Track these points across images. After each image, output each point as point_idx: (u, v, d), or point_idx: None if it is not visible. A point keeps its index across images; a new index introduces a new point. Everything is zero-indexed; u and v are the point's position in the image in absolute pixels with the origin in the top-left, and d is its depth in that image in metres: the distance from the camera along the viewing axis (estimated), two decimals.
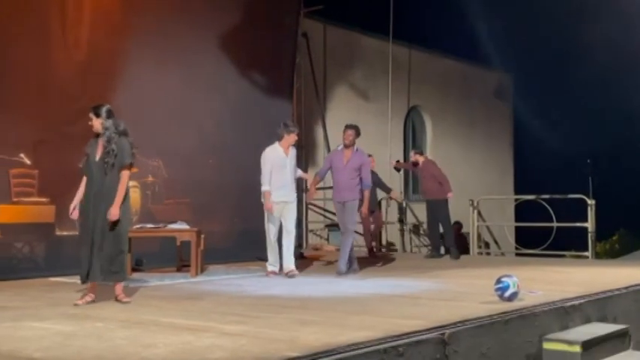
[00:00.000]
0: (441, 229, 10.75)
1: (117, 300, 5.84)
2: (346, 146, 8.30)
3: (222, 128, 8.49)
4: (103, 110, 5.88)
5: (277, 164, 7.98)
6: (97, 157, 5.84)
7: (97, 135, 5.90)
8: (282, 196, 8.02)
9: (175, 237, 8.16)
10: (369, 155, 9.01)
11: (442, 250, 11.02)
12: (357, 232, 9.24)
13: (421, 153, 11.37)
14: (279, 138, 8.03)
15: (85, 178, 5.93)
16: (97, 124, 5.87)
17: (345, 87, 14.88)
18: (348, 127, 8.35)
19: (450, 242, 10.73)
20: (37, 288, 6.89)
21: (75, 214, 5.92)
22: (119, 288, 5.89)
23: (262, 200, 7.97)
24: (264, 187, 7.94)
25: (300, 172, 8.45)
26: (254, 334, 4.44)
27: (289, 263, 8.02)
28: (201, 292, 6.67)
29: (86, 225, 5.78)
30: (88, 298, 5.76)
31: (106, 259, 5.72)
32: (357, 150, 8.37)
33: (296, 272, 8.01)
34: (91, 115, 5.89)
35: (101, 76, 8.56)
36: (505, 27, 18.15)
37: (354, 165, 8.25)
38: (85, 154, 5.95)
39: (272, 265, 8.20)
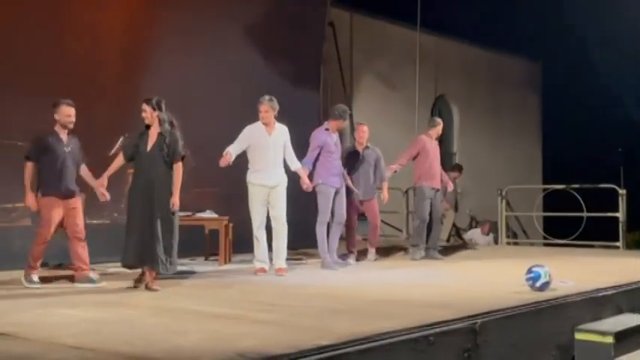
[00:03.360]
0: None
1: (147, 288, 5.89)
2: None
3: (249, 118, 8.44)
4: (161, 103, 6.05)
5: (256, 144, 7.10)
6: (149, 148, 5.99)
7: (147, 126, 6.04)
8: (266, 179, 7.07)
9: (204, 226, 8.20)
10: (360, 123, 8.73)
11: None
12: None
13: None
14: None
15: (115, 164, 6.10)
16: (151, 116, 6.01)
17: (371, 76, 14.80)
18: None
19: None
20: (67, 276, 6.95)
21: (104, 197, 6.07)
22: (152, 276, 5.96)
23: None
24: (228, 149, 7.01)
25: (297, 164, 7.40)
26: (283, 322, 4.43)
27: (279, 260, 7.07)
28: (229, 280, 6.69)
29: (137, 214, 5.92)
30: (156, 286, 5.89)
31: (164, 249, 5.88)
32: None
33: (285, 272, 7.02)
34: (146, 107, 6.02)
35: (130, 66, 8.60)
36: (534, 13, 17.88)
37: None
38: (132, 145, 6.11)
39: (260, 261, 7.12)
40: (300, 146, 7.64)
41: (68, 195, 6.12)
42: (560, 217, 12.07)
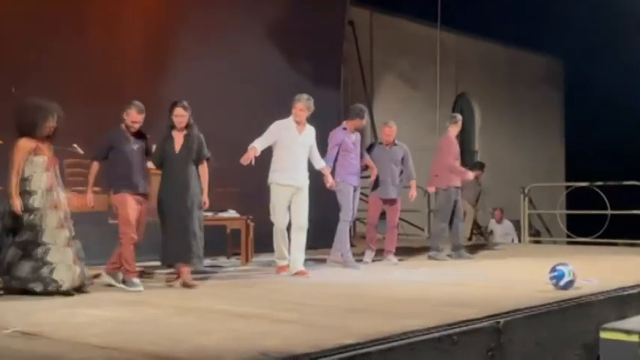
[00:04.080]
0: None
1: (185, 285, 6.00)
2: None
3: (269, 118, 8.46)
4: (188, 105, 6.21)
5: (284, 141, 6.99)
6: (178, 150, 6.13)
7: (171, 127, 6.15)
8: (294, 179, 6.96)
9: (226, 225, 8.23)
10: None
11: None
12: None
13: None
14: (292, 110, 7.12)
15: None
16: (186, 117, 6.15)
17: (391, 75, 14.76)
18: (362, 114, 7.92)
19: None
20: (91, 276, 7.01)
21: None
22: (188, 272, 6.10)
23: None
24: (254, 143, 6.89)
25: (322, 163, 7.35)
26: (305, 321, 4.44)
27: (297, 262, 6.93)
28: (251, 279, 6.72)
29: (173, 213, 6.06)
30: (179, 282, 6.07)
31: (199, 245, 6.09)
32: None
33: (306, 274, 6.87)
34: (184, 111, 6.15)
35: (151, 67, 8.65)
36: (555, 10, 17.72)
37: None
38: (159, 149, 6.19)
39: (282, 259, 7.02)
40: (320, 146, 7.63)
41: (138, 192, 6.12)
42: (583, 214, 11.97)
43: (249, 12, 9.58)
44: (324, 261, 8.04)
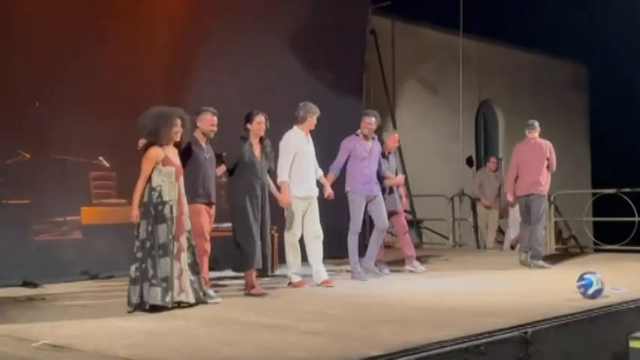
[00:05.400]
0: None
1: (251, 294, 6.21)
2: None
3: (291, 126, 8.45)
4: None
5: (301, 151, 6.91)
6: (259, 157, 6.42)
7: (245, 138, 6.39)
8: (311, 190, 6.97)
9: None
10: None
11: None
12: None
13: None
14: (301, 120, 7.05)
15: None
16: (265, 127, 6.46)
17: (414, 83, 14.74)
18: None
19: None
20: (118, 287, 7.06)
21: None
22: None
23: (274, 193, 6.75)
24: (283, 178, 6.78)
25: (320, 172, 7.24)
26: (332, 331, 4.43)
27: (322, 272, 6.93)
28: (276, 290, 6.71)
29: (256, 220, 6.27)
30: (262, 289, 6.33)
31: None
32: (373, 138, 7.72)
33: (332, 282, 6.90)
34: (266, 119, 6.46)
35: (172, 79, 8.71)
36: (579, 15, 17.59)
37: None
38: (235, 155, 6.35)
39: (299, 274, 6.94)
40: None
41: (211, 202, 6.16)
42: (610, 222, 11.81)
43: (270, 22, 9.62)
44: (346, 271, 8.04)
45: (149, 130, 5.55)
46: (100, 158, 8.30)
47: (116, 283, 7.44)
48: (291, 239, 6.90)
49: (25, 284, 6.91)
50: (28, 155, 7.66)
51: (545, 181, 8.62)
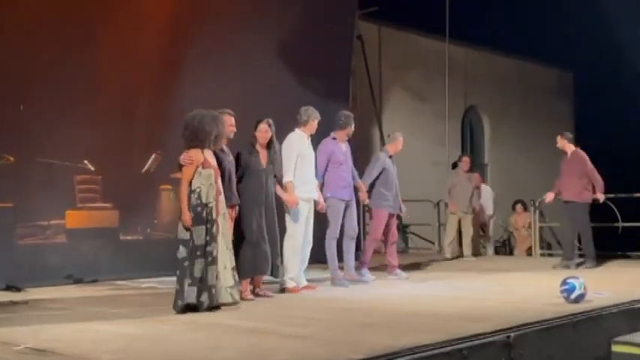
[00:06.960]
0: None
1: (258, 295, 6.32)
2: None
3: (279, 133, 8.45)
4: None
5: (303, 154, 6.88)
6: (264, 165, 6.40)
7: (253, 144, 6.40)
8: (312, 192, 6.94)
9: None
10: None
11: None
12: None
13: (569, 139, 9.56)
14: (303, 123, 7.00)
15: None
16: (269, 134, 6.45)
17: (400, 89, 14.79)
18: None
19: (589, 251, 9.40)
20: (102, 292, 7.04)
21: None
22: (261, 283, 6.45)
23: (280, 194, 6.67)
24: (289, 178, 6.68)
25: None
26: (317, 336, 4.44)
27: (303, 277, 6.94)
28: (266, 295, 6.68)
29: (256, 226, 6.25)
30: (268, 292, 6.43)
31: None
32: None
33: (314, 287, 6.93)
34: (270, 128, 6.45)
35: (163, 84, 8.70)
36: (564, 22, 17.72)
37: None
38: (244, 163, 6.33)
39: (294, 279, 6.79)
40: None
41: (234, 205, 6.15)
42: (595, 227, 11.89)
43: (258, 28, 9.62)
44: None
45: (191, 134, 5.51)
46: (85, 162, 8.28)
47: (100, 287, 7.42)
48: (293, 243, 6.78)
49: (9, 288, 6.88)
50: (12, 158, 7.62)
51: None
